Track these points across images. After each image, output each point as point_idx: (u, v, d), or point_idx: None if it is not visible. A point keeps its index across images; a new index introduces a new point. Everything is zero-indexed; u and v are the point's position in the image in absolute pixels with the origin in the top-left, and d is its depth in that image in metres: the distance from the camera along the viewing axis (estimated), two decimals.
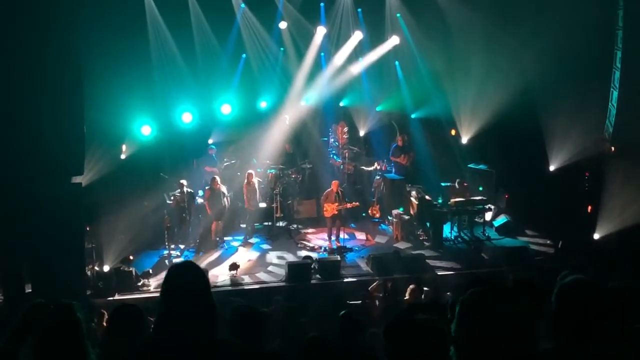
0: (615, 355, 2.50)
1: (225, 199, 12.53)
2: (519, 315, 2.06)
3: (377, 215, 13.94)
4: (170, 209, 12.37)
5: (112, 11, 10.95)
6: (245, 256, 12.11)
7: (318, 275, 10.79)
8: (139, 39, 12.50)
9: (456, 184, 13.51)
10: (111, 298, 9.88)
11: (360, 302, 8.71)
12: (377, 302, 8.53)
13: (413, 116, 15.35)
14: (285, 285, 10.45)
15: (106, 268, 10.60)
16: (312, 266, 10.86)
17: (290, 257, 11.86)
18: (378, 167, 14.63)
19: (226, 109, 14.38)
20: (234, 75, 14.40)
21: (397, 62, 15.32)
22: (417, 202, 12.93)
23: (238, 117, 14.58)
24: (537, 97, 12.86)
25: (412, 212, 13.16)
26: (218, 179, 12.48)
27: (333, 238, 12.52)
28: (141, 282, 10.49)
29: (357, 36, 14.65)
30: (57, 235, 9.14)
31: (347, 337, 4.71)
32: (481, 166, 14.13)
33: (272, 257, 12.12)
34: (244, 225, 13.54)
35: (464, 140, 14.66)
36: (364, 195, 14.30)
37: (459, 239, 12.81)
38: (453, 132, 14.99)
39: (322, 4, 14.46)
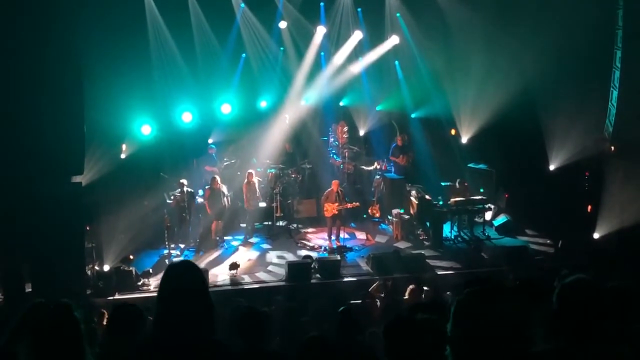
0: (616, 356, 2.50)
1: (225, 198, 12.53)
2: (515, 316, 2.06)
3: (377, 214, 13.95)
4: (170, 209, 12.38)
5: (112, 11, 10.95)
6: (245, 256, 12.12)
7: (318, 275, 10.79)
8: (139, 39, 12.51)
9: (457, 184, 13.52)
10: (111, 297, 9.88)
11: (360, 301, 8.71)
12: (378, 303, 8.53)
13: (413, 116, 15.35)
14: (285, 285, 10.45)
15: (106, 267, 10.61)
16: (312, 266, 10.86)
17: (290, 257, 11.86)
18: (378, 167, 14.63)
19: (226, 109, 14.39)
20: (234, 74, 14.40)
21: (397, 62, 15.33)
22: (417, 202, 12.93)
23: (238, 116, 14.58)
24: (537, 97, 12.86)
25: (412, 211, 13.16)
26: (218, 178, 12.49)
27: (333, 237, 12.52)
28: (141, 282, 10.48)
29: (357, 36, 14.65)
30: (57, 235, 9.15)
31: (346, 334, 4.70)
32: (481, 166, 14.13)
33: (272, 256, 12.12)
34: (244, 225, 13.54)
35: (464, 139, 14.67)
36: (364, 194, 14.29)
37: (459, 239, 12.81)
38: (453, 131, 15.00)
39: (322, 4, 14.46)
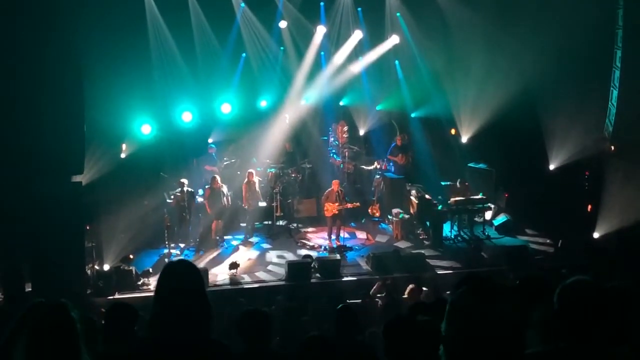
0: (616, 356, 2.51)
1: (225, 198, 12.53)
2: (510, 315, 2.05)
3: (377, 214, 13.95)
4: (170, 208, 12.38)
5: (112, 11, 10.95)
6: (245, 255, 12.12)
7: (318, 274, 10.79)
8: (139, 39, 12.51)
9: (457, 184, 13.52)
10: (111, 297, 9.86)
11: (360, 301, 8.72)
12: (378, 303, 8.54)
13: (413, 115, 15.36)
14: (285, 284, 10.45)
15: (106, 267, 10.62)
16: (312, 265, 10.86)
17: (290, 256, 11.85)
18: (378, 166, 14.63)
19: (226, 108, 14.39)
20: (234, 74, 14.42)
21: (397, 62, 15.34)
22: (417, 201, 12.93)
23: (238, 116, 14.59)
24: (537, 97, 12.87)
25: (412, 211, 13.16)
26: (218, 178, 12.48)
27: (333, 237, 12.52)
28: (141, 281, 10.47)
29: (357, 35, 14.66)
30: (57, 235, 9.15)
31: (345, 331, 4.70)
32: (481, 165, 14.14)
33: (272, 256, 12.13)
34: (244, 224, 13.54)
35: (464, 139, 14.68)
36: (364, 194, 14.30)
37: (459, 238, 12.80)
38: (453, 131, 15.01)
39: (322, 3, 14.47)
